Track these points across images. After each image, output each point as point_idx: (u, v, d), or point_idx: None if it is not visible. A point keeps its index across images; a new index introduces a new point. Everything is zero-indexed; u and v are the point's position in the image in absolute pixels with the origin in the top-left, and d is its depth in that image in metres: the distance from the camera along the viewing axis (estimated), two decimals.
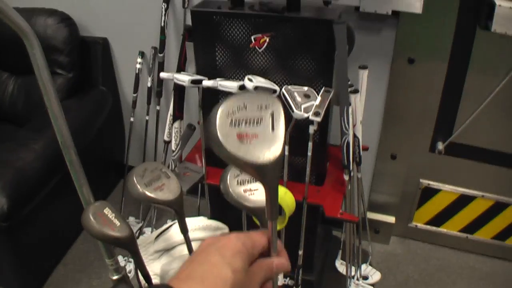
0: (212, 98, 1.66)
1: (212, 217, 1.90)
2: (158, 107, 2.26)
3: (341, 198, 1.62)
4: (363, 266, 2.13)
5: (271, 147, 0.61)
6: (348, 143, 1.50)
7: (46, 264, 2.19)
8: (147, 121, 2.33)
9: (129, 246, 0.84)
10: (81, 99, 2.26)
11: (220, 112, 0.61)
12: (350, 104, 1.48)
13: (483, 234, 2.23)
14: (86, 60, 2.28)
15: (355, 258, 2.02)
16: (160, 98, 2.24)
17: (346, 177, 1.59)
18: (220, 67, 1.61)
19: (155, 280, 0.96)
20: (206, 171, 1.72)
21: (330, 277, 2.12)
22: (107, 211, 0.84)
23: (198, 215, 2.36)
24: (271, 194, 0.67)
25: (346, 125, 1.47)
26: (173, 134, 1.77)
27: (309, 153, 1.49)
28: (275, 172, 0.63)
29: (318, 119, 1.36)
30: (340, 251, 2.20)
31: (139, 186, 0.85)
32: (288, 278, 1.87)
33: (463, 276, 2.20)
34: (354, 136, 1.59)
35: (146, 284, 0.92)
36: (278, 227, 1.04)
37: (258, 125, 0.62)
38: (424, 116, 1.95)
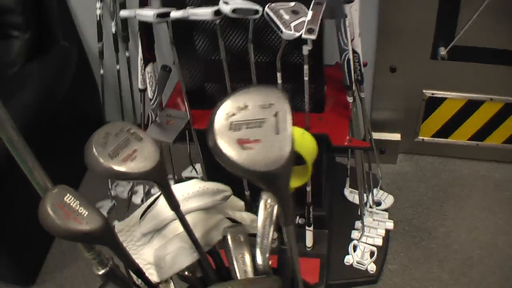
0: (185, 32, 1.45)
1: (204, 165, 1.72)
2: (127, 53, 2.04)
3: (346, 123, 1.45)
4: (374, 191, 2.00)
5: (275, 153, 0.53)
6: (348, 60, 1.32)
7: (38, 249, 2.02)
8: (118, 70, 2.11)
9: (105, 239, 0.65)
10: (42, 60, 2.03)
11: (218, 115, 0.56)
12: (346, 16, 1.28)
13: (494, 139, 2.10)
14: (42, 16, 2.02)
15: (366, 184, 1.89)
16: (128, 43, 2.01)
17: (350, 99, 1.42)
18: None
19: (150, 270, 0.76)
20: (191, 116, 1.54)
21: (341, 208, 1.99)
22: (68, 198, 0.64)
23: (191, 164, 2.19)
24: (283, 202, 0.60)
25: (345, 40, 1.28)
26: (147, 80, 1.57)
27: (306, 78, 1.31)
28: (283, 179, 0.56)
29: (313, 36, 1.17)
30: (348, 179, 2.06)
31: (102, 160, 0.65)
32: (298, 217, 1.74)
33: (477, 186, 2.08)
34: (354, 51, 1.40)
35: (139, 280, 0.74)
36: (302, 182, 0.87)
37: (260, 128, 0.55)
38: (423, 21, 1.75)
